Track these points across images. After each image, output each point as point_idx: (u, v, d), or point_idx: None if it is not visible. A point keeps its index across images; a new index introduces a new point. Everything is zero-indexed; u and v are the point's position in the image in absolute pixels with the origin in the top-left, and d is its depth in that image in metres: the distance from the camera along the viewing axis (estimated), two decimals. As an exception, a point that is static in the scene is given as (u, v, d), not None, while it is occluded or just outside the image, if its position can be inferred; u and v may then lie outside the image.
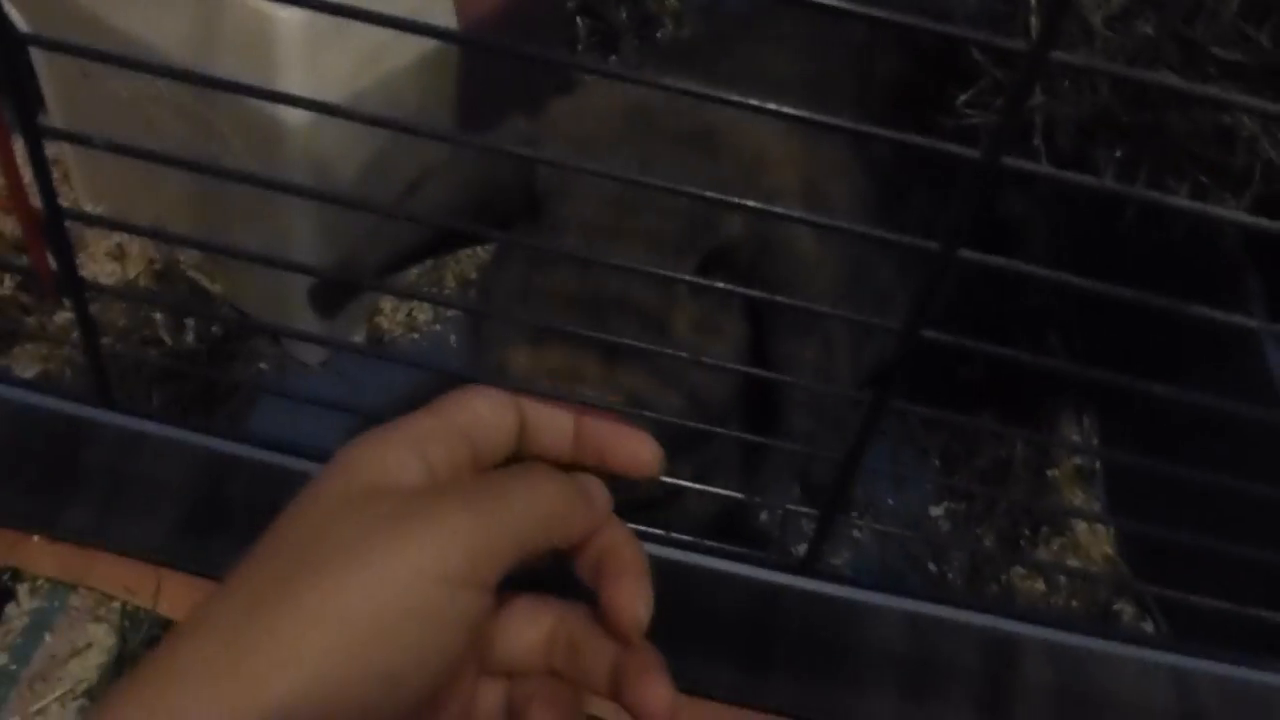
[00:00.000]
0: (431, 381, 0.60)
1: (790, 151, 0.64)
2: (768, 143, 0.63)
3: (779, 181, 0.63)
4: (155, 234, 0.43)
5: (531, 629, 0.43)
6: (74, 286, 0.46)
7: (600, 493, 0.44)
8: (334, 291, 0.65)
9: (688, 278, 0.44)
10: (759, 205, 0.39)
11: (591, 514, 0.43)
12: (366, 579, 0.35)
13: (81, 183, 1.00)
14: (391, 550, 0.36)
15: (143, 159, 0.42)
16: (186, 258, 0.96)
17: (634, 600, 0.41)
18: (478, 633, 0.39)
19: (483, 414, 0.43)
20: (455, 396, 0.43)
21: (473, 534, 0.37)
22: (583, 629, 0.43)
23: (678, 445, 0.52)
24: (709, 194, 0.40)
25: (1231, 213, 0.37)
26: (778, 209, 0.41)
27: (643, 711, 0.40)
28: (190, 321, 0.88)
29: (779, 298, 0.44)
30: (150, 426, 0.60)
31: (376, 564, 0.36)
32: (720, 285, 0.44)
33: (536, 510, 0.40)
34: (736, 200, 0.40)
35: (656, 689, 0.40)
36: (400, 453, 0.40)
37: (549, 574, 0.43)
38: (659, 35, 1.18)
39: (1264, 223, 0.36)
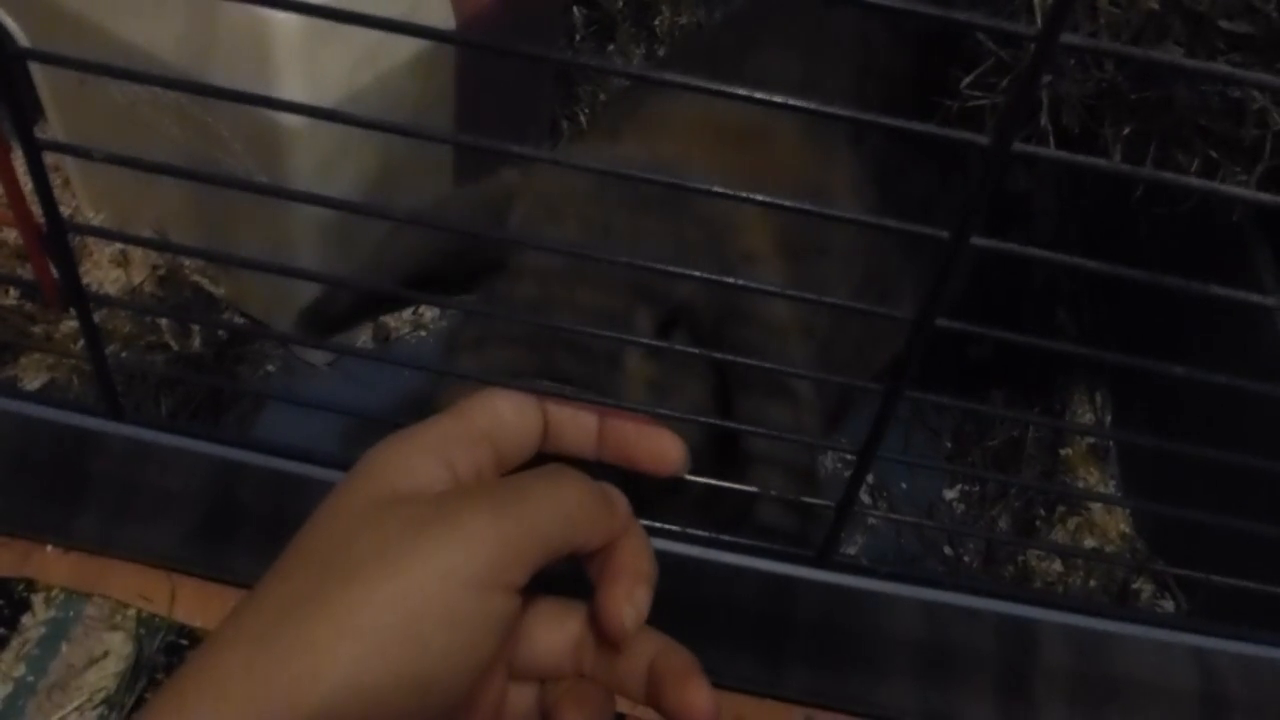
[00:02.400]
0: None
1: (764, 213, 0.63)
2: (740, 206, 0.62)
3: (750, 245, 0.62)
4: (156, 244, 0.42)
5: (559, 633, 0.43)
6: (78, 299, 0.45)
7: (621, 500, 0.44)
8: (323, 320, 0.65)
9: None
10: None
11: (613, 520, 0.42)
12: (395, 587, 0.35)
13: (82, 189, 1.00)
14: (418, 557, 0.36)
15: (141, 169, 0.41)
16: (190, 262, 0.96)
17: (621, 604, 0.40)
18: (507, 634, 0.39)
19: (506, 415, 0.43)
20: (478, 398, 0.43)
21: (498, 537, 0.37)
22: None
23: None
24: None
25: (1239, 190, 0.37)
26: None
27: (684, 717, 0.39)
28: (196, 325, 0.88)
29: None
30: (158, 436, 0.60)
31: (404, 571, 0.36)
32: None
33: (560, 512, 0.40)
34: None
35: (697, 694, 0.40)
36: (424, 458, 0.40)
37: (569, 576, 0.43)
38: (656, 23, 1.17)
39: (1265, 197, 0.36)
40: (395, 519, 0.37)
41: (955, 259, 0.39)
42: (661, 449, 0.46)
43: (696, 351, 0.46)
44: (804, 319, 0.62)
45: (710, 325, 0.60)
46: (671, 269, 0.42)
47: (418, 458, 0.40)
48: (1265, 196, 0.35)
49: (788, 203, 0.38)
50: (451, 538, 0.37)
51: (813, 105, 0.36)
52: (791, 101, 0.36)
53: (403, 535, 0.37)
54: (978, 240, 0.38)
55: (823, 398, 0.61)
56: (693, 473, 0.50)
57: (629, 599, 0.41)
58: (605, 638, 0.41)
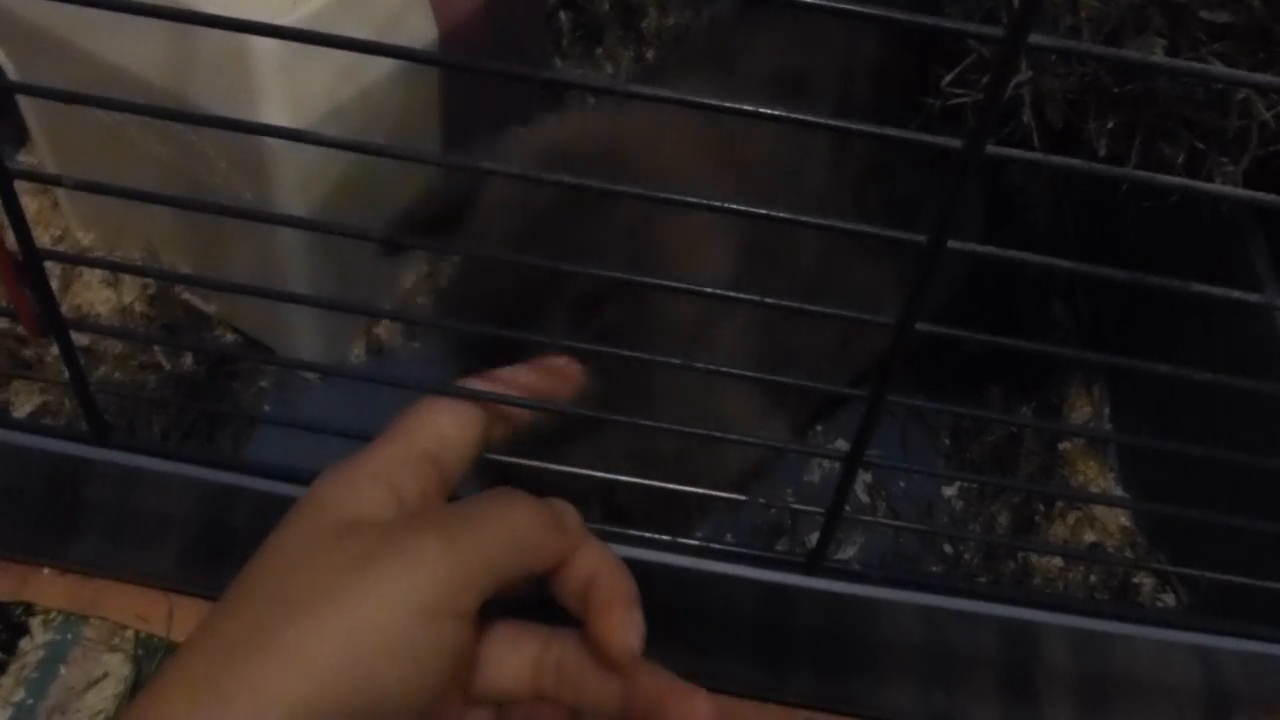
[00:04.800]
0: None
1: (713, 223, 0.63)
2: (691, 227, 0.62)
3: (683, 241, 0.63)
4: (129, 268, 0.42)
5: (515, 657, 0.43)
6: (56, 327, 0.45)
7: (573, 515, 0.43)
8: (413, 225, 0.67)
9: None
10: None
11: (564, 537, 0.42)
12: (342, 622, 0.35)
13: (71, 210, 0.99)
14: (365, 589, 0.36)
15: (111, 195, 0.41)
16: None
17: (625, 630, 0.40)
18: (460, 662, 0.39)
19: (447, 431, 0.43)
20: (417, 415, 0.43)
21: (446, 565, 0.37)
22: (576, 655, 0.42)
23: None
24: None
25: (1218, 186, 0.36)
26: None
27: None
28: (200, 339, 0.88)
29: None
30: (147, 462, 0.60)
31: (350, 604, 0.35)
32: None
33: (510, 536, 0.40)
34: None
35: (702, 705, 0.40)
36: (370, 486, 0.39)
37: (531, 599, 0.43)
38: (643, 25, 1.17)
39: (1242, 193, 0.35)
40: (342, 551, 0.37)
41: (933, 263, 0.38)
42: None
43: (628, 354, 0.46)
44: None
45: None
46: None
47: (364, 486, 0.39)
48: (1243, 192, 0.35)
49: (761, 210, 0.38)
50: (399, 567, 0.36)
51: (782, 113, 0.35)
52: (763, 110, 0.36)
53: (349, 567, 0.36)
54: (954, 244, 0.38)
55: (799, 404, 0.62)
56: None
57: (630, 623, 0.41)
58: (611, 666, 0.41)
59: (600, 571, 0.42)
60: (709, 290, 0.42)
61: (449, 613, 0.37)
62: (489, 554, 0.38)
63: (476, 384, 0.46)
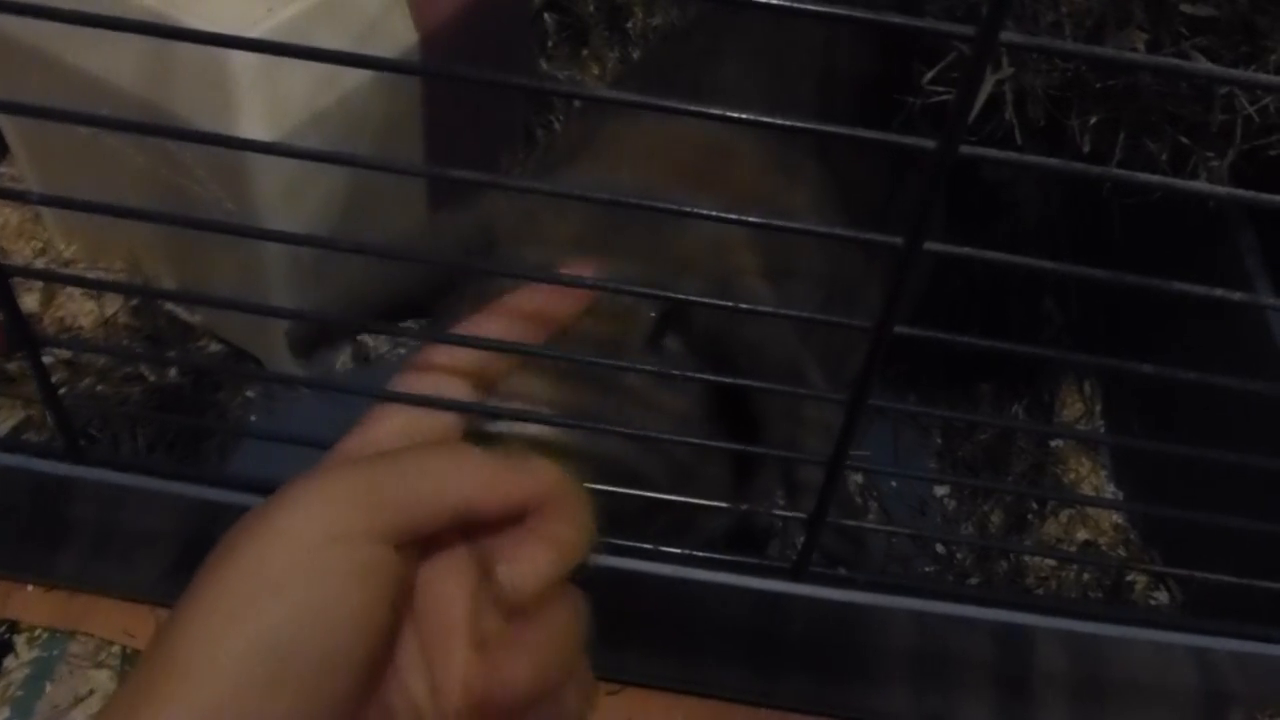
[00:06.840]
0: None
1: (748, 233, 0.63)
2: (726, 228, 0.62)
3: (740, 262, 0.62)
4: (108, 285, 0.42)
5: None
6: (27, 344, 0.45)
7: (546, 468, 0.41)
8: (312, 338, 0.64)
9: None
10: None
11: (522, 481, 0.40)
12: (240, 561, 0.35)
13: (54, 223, 0.99)
14: (269, 524, 0.36)
15: (81, 210, 0.41)
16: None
17: (505, 553, 0.39)
18: (394, 592, 0.37)
19: (419, 422, 0.42)
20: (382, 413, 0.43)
21: (354, 488, 0.37)
22: None
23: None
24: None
25: (1197, 184, 0.36)
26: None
27: None
28: (171, 354, 0.87)
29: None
30: (125, 478, 0.59)
31: (254, 541, 0.35)
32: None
33: (437, 463, 0.39)
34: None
35: None
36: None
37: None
38: (629, 26, 1.16)
39: (1221, 190, 0.35)
40: (250, 514, 0.37)
41: (909, 265, 0.38)
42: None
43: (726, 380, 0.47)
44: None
45: (703, 323, 0.59)
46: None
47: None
48: (1222, 189, 0.34)
49: (759, 220, 0.37)
50: (301, 500, 0.36)
51: (753, 117, 0.35)
52: (733, 114, 0.35)
53: (251, 522, 0.36)
54: (932, 245, 0.38)
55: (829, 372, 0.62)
56: (678, 490, 0.50)
57: (512, 555, 0.39)
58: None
59: (547, 506, 0.40)
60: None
61: (360, 532, 0.36)
62: (406, 476, 0.38)
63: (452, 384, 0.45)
